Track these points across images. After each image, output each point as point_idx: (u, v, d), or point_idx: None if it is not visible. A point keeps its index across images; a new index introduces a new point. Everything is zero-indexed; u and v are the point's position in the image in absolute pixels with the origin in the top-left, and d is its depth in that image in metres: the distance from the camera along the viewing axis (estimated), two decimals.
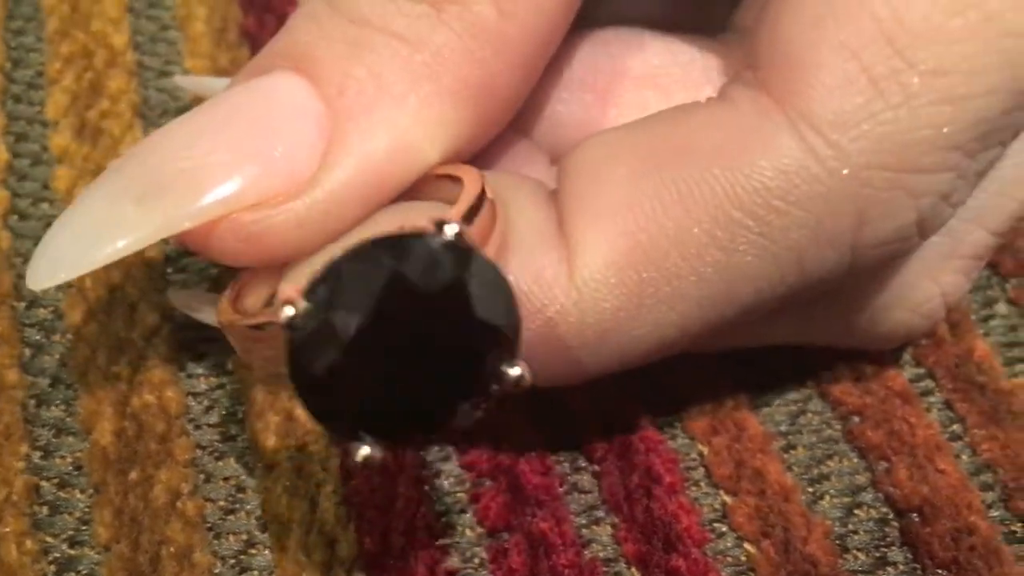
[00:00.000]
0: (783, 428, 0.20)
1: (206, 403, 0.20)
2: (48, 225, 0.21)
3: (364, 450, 0.14)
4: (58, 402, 0.19)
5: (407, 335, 0.14)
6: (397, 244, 0.14)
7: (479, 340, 0.14)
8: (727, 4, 0.24)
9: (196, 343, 0.20)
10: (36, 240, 0.21)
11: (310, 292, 0.14)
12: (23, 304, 0.21)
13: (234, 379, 0.20)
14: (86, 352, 0.20)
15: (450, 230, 0.14)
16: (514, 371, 0.14)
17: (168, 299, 0.20)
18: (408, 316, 0.14)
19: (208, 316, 0.19)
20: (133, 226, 0.16)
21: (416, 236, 0.14)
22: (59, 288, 0.21)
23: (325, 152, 0.16)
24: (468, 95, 0.17)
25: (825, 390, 0.21)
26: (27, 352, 0.20)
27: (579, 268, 0.16)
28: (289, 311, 0.14)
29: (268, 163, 0.16)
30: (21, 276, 0.21)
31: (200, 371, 0.20)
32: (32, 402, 0.19)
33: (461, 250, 0.14)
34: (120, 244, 0.16)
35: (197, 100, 0.23)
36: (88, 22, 0.24)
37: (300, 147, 0.16)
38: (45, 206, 0.22)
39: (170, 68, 0.24)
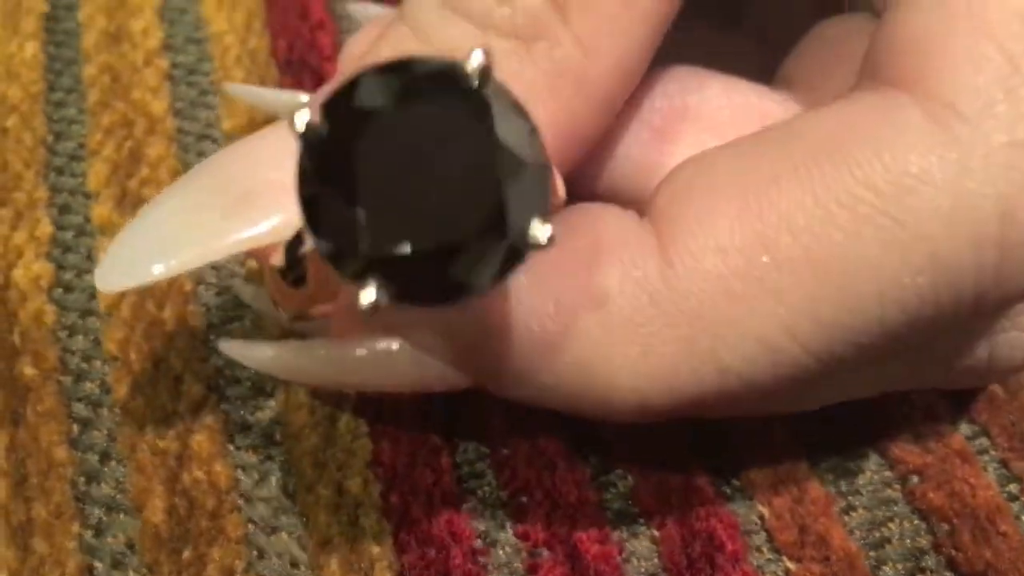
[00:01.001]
0: (843, 488, 0.20)
1: (256, 476, 0.20)
2: (92, 297, 0.21)
3: (369, 294, 0.13)
4: (108, 479, 0.19)
5: (419, 155, 0.13)
6: (420, 63, 0.13)
7: (498, 169, 0.13)
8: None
9: (243, 414, 0.20)
10: (81, 312, 0.21)
11: (327, 103, 0.13)
12: (70, 379, 0.20)
13: (282, 450, 0.20)
14: (133, 427, 0.20)
15: (476, 57, 0.13)
16: (541, 230, 0.13)
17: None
18: (421, 133, 0.13)
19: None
20: (219, 233, 0.16)
21: (441, 61, 0.13)
22: (104, 361, 0.21)
23: None
24: (552, 136, 0.17)
25: (883, 447, 0.20)
26: (75, 428, 0.20)
27: (672, 250, 0.15)
28: (303, 117, 0.13)
29: None
30: (67, 350, 0.21)
31: (248, 442, 0.20)
32: (82, 479, 0.19)
33: (486, 74, 0.13)
34: (203, 251, 0.16)
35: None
36: (128, 92, 0.24)
37: None
38: (89, 278, 0.22)
39: (209, 131, 0.24)
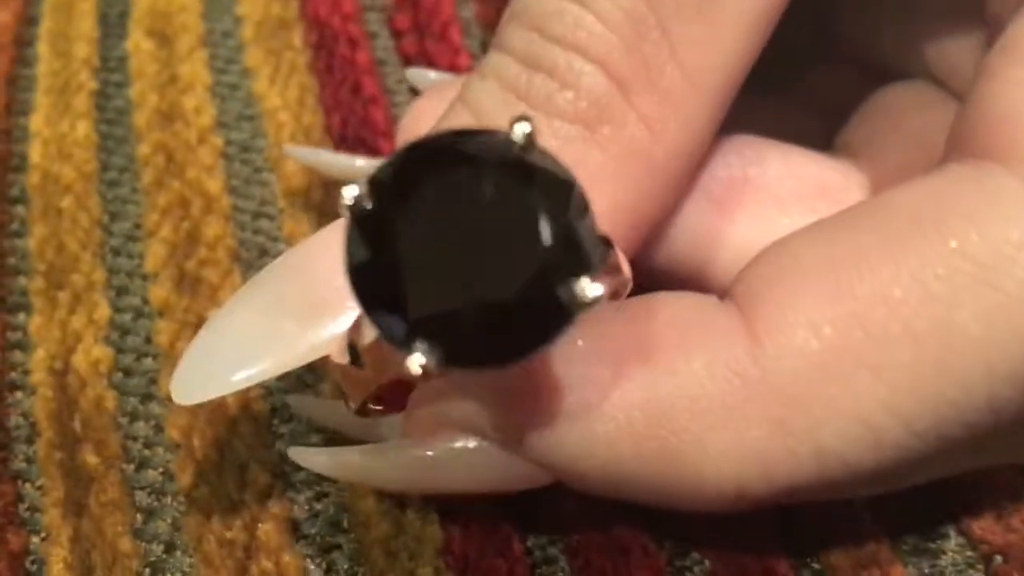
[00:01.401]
0: (926, 570, 0.19)
1: (324, 564, 0.19)
2: (153, 381, 0.21)
3: (418, 358, 0.13)
4: (174, 571, 0.19)
5: (462, 220, 0.13)
6: (464, 133, 0.13)
7: (541, 230, 0.13)
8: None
9: (310, 501, 0.20)
10: (142, 397, 0.21)
11: (373, 177, 0.13)
12: (132, 467, 0.20)
13: (351, 538, 0.19)
14: (199, 517, 0.19)
15: (521, 127, 0.13)
16: (590, 288, 0.13)
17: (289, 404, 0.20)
18: (464, 199, 0.13)
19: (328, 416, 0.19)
20: (292, 343, 0.16)
21: (485, 131, 0.13)
22: (167, 448, 0.20)
23: None
24: (621, 219, 0.17)
25: (964, 526, 0.20)
26: (139, 517, 0.20)
27: (761, 329, 0.15)
28: (350, 191, 0.13)
29: None
30: (129, 436, 0.20)
31: (315, 531, 0.19)
32: (147, 571, 0.19)
33: (530, 141, 0.13)
34: (276, 361, 0.16)
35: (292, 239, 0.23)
36: (184, 171, 0.24)
37: None
38: (149, 361, 0.21)
39: (265, 209, 0.24)
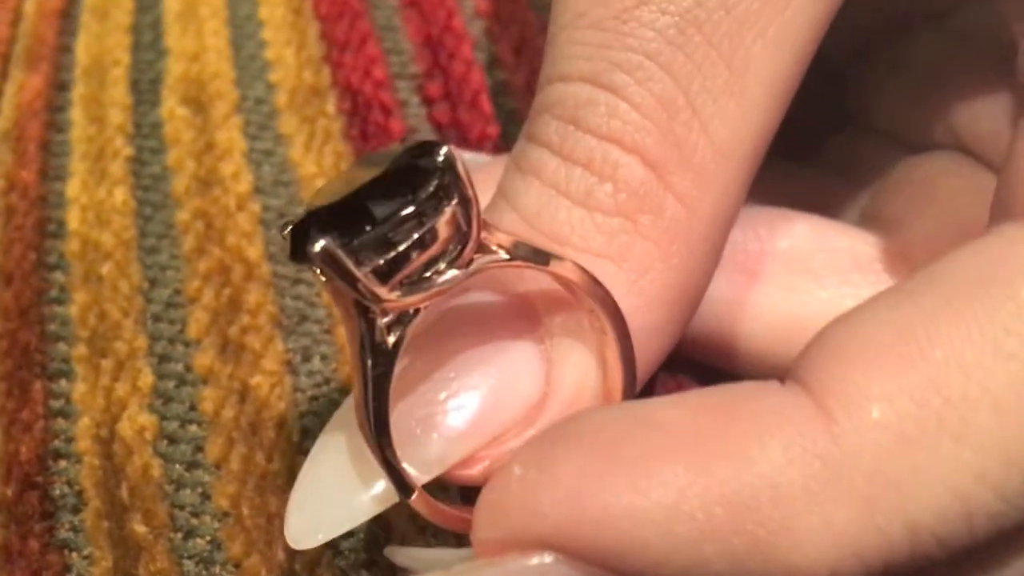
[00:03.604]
0: None
1: None
2: (198, 448, 0.21)
3: (317, 244, 0.14)
4: None
5: (351, 180, 0.15)
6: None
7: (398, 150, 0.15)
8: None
9: (357, 568, 0.20)
10: (187, 465, 0.21)
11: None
12: (180, 535, 0.20)
13: None
14: None
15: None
16: (441, 150, 0.15)
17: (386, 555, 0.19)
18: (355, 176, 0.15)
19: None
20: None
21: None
22: (214, 516, 0.20)
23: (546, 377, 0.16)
24: (671, 299, 0.17)
25: None
26: None
27: (835, 407, 0.14)
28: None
29: (500, 392, 0.16)
30: (175, 505, 0.21)
31: None
32: None
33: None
34: (387, 490, 0.16)
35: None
36: (223, 237, 0.24)
37: (524, 376, 0.16)
38: (194, 428, 0.22)
39: (302, 275, 0.24)
